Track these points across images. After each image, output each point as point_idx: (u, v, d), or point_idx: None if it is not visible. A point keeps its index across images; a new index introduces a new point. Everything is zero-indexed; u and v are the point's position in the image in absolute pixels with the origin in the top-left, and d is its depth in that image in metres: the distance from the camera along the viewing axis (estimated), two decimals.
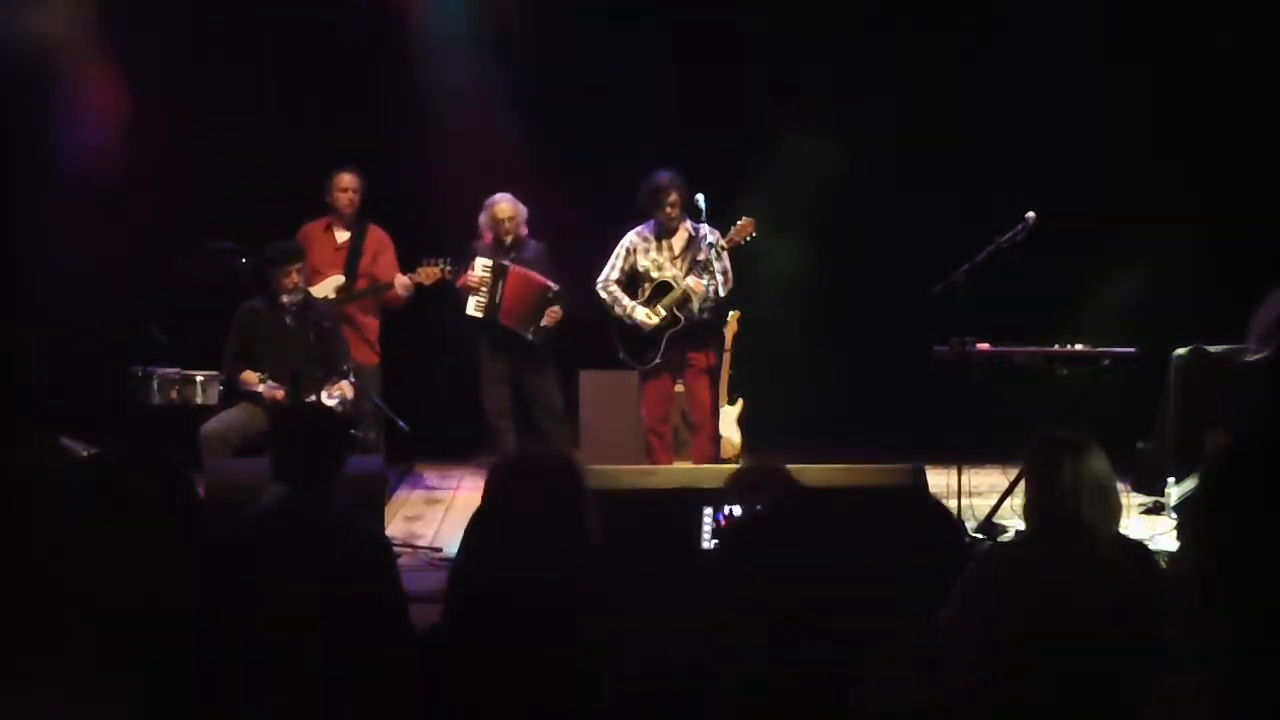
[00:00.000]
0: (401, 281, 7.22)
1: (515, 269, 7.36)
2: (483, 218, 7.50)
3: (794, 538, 1.96)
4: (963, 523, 6.32)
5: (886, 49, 8.79)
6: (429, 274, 7.25)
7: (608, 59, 8.65)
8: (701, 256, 6.85)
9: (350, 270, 7.34)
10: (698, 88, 8.63)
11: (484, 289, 7.39)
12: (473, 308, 7.42)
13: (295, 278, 6.47)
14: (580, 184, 8.33)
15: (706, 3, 8.87)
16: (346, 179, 7.35)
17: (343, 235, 7.40)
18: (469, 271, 7.40)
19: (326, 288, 7.21)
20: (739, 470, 3.71)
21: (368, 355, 7.36)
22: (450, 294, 7.54)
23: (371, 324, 7.44)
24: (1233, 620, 1.91)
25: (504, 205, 7.44)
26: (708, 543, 4.12)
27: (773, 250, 7.69)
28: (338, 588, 3.20)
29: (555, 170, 8.29)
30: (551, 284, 7.38)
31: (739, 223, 6.98)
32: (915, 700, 2.00)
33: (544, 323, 7.38)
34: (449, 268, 7.28)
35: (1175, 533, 6.24)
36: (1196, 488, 2.16)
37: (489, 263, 7.39)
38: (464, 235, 7.69)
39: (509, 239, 7.45)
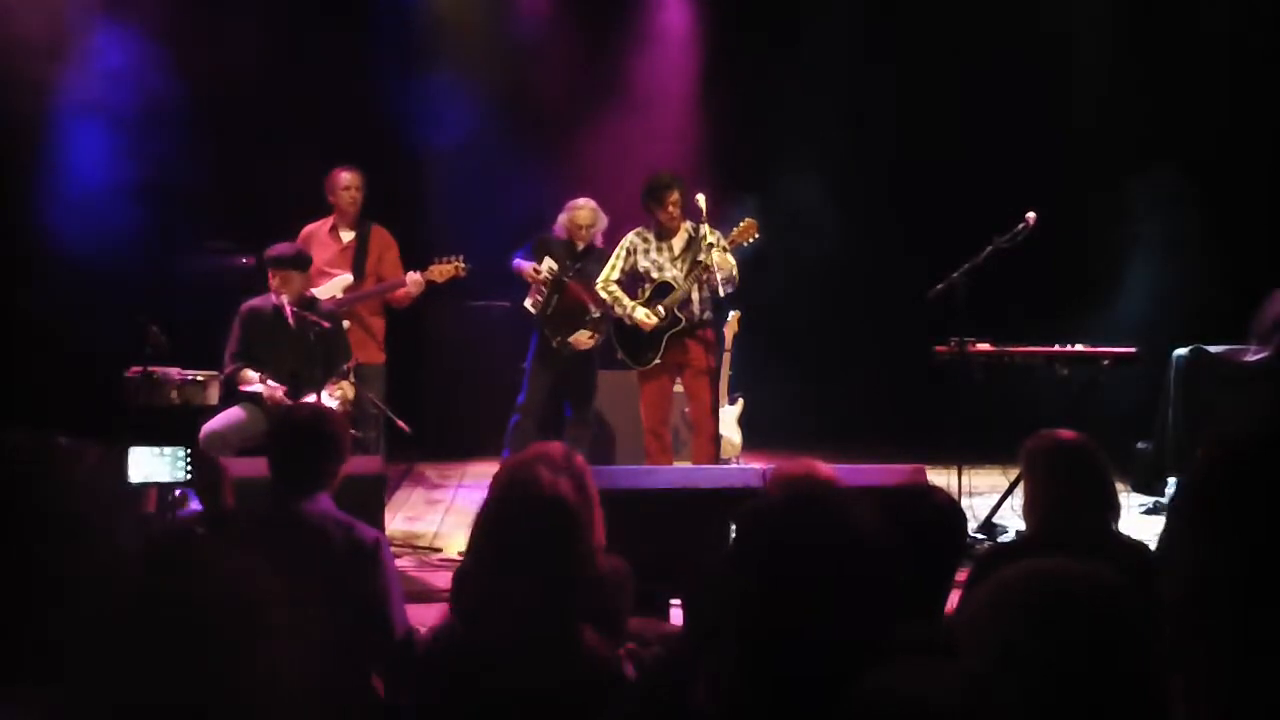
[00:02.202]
0: (414, 279, 7.16)
1: (573, 284, 7.31)
2: (562, 218, 7.40)
3: (802, 527, 1.95)
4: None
5: (890, 49, 8.81)
6: (443, 271, 7.19)
7: (612, 59, 8.67)
8: (702, 257, 6.83)
9: (357, 270, 7.32)
10: (698, 87, 8.64)
11: (544, 290, 7.37)
12: (529, 303, 7.44)
13: (275, 283, 6.45)
14: (582, 183, 8.32)
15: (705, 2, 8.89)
16: (346, 177, 7.30)
17: (348, 235, 7.37)
18: (530, 263, 7.37)
19: (334, 287, 7.20)
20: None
21: (374, 354, 7.34)
22: (478, 278, 7.47)
23: (378, 324, 7.42)
24: (1224, 621, 1.91)
25: (585, 212, 7.37)
26: None
27: (773, 251, 7.67)
28: (334, 590, 3.20)
29: (557, 169, 8.30)
30: (594, 307, 7.31)
31: (741, 224, 6.96)
32: (920, 694, 1.99)
33: (570, 339, 7.35)
34: (463, 265, 7.23)
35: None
36: (1182, 489, 2.17)
37: (555, 267, 7.35)
38: (461, 235, 7.66)
39: (580, 245, 7.40)
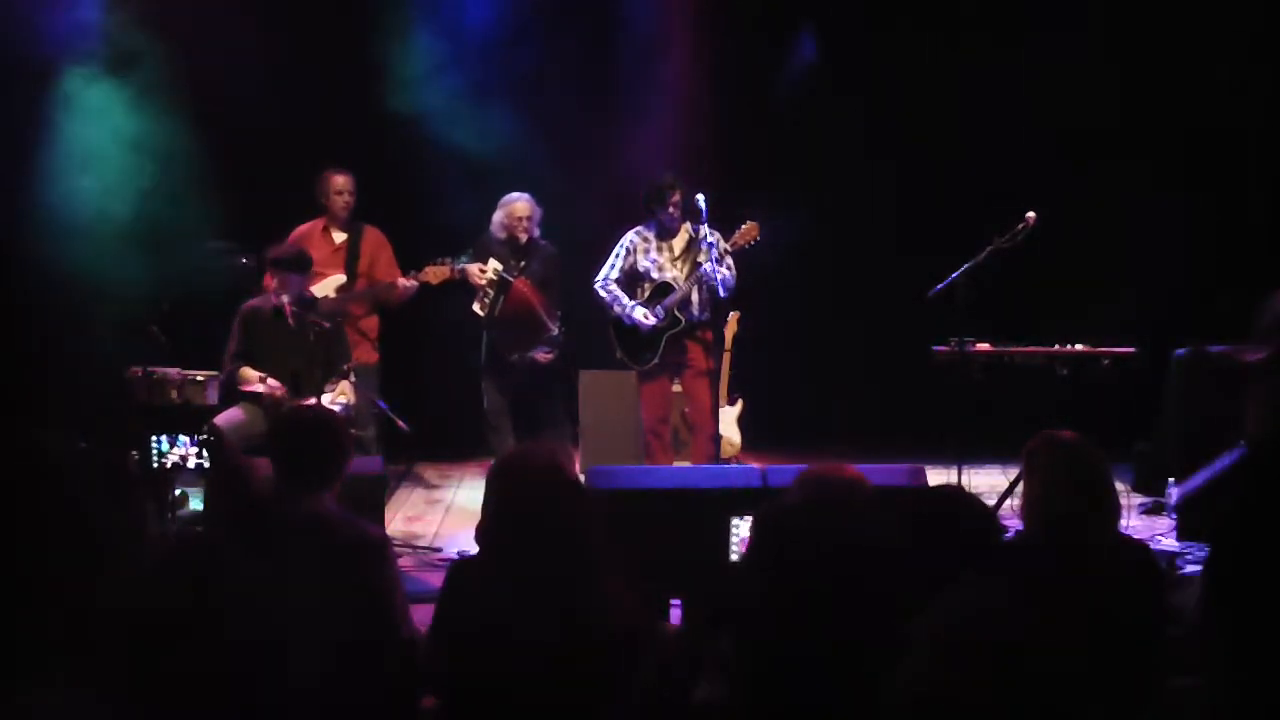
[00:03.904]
0: (405, 283, 7.18)
1: (519, 286, 7.29)
2: (498, 215, 7.42)
3: (813, 531, 1.96)
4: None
5: (890, 48, 8.81)
6: (437, 273, 7.20)
7: (609, 56, 8.66)
8: (702, 258, 6.83)
9: (349, 271, 7.34)
10: (700, 86, 8.63)
11: (490, 292, 7.35)
12: (476, 306, 7.41)
13: (275, 284, 6.47)
14: (580, 182, 8.32)
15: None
16: (340, 181, 7.34)
17: (340, 236, 7.41)
18: (475, 265, 7.38)
19: (326, 286, 7.22)
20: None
21: (368, 353, 7.37)
22: (454, 287, 7.49)
23: (371, 323, 7.45)
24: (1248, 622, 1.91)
25: (521, 205, 7.38)
26: (735, 554, 4.06)
27: (772, 250, 7.67)
28: (338, 589, 3.20)
29: (555, 168, 8.29)
30: (552, 326, 7.32)
31: (744, 226, 6.96)
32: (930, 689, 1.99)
33: (530, 353, 7.37)
34: (458, 266, 7.24)
35: (1176, 533, 6.25)
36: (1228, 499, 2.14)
37: (500, 268, 7.34)
38: (457, 235, 7.67)
39: (523, 239, 7.40)
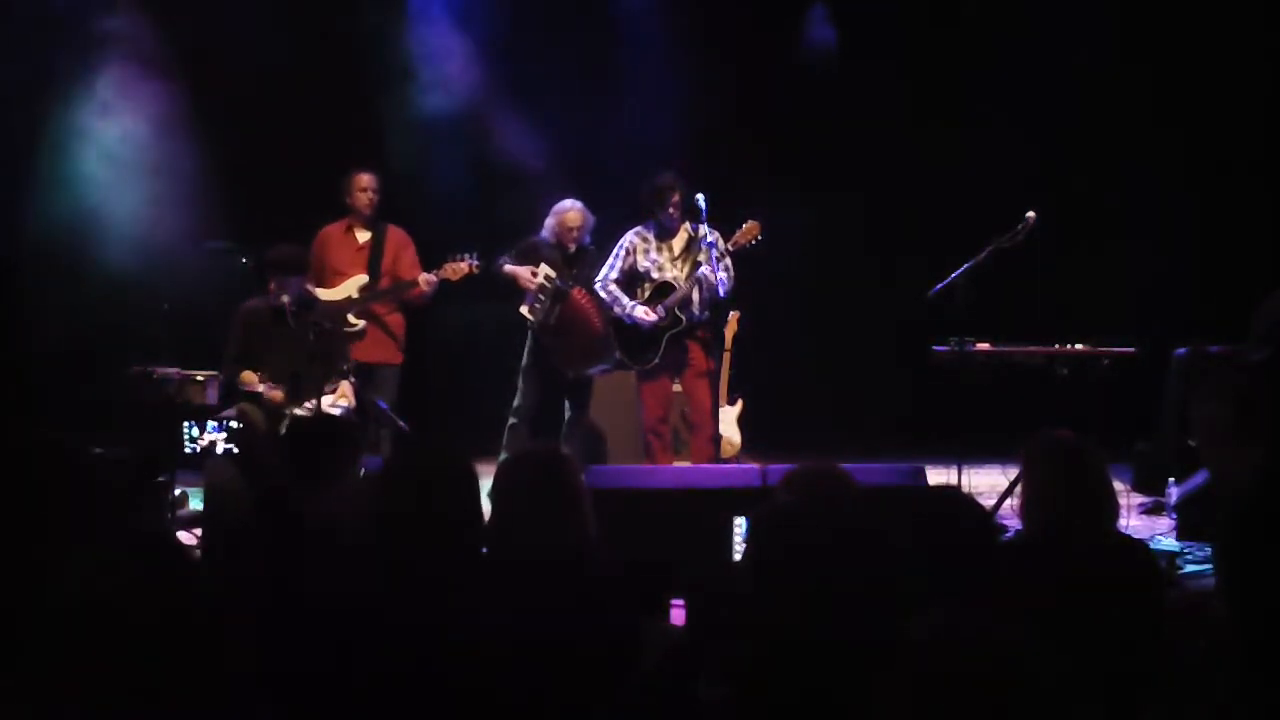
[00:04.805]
0: (426, 279, 7.15)
1: (576, 297, 7.14)
2: (550, 221, 7.27)
3: (814, 530, 1.96)
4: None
5: (891, 46, 8.82)
6: (456, 270, 7.17)
7: (612, 55, 8.68)
8: (702, 258, 6.84)
9: (373, 270, 7.34)
10: (700, 85, 8.64)
11: (542, 298, 7.26)
12: (525, 309, 7.25)
13: (274, 285, 6.47)
14: (581, 181, 8.33)
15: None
16: (365, 179, 7.34)
17: (363, 236, 7.40)
18: (526, 268, 7.26)
19: (350, 287, 7.22)
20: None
21: (393, 354, 7.34)
22: (475, 291, 7.44)
23: (398, 321, 7.40)
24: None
25: (574, 214, 7.24)
26: (737, 554, 4.06)
27: (772, 250, 7.69)
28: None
29: (557, 168, 8.30)
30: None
31: (745, 225, 6.95)
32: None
33: (590, 370, 7.31)
34: (476, 263, 7.21)
35: (1176, 533, 6.26)
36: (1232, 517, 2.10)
37: (553, 275, 7.19)
38: (466, 235, 7.66)
39: (572, 248, 7.32)
